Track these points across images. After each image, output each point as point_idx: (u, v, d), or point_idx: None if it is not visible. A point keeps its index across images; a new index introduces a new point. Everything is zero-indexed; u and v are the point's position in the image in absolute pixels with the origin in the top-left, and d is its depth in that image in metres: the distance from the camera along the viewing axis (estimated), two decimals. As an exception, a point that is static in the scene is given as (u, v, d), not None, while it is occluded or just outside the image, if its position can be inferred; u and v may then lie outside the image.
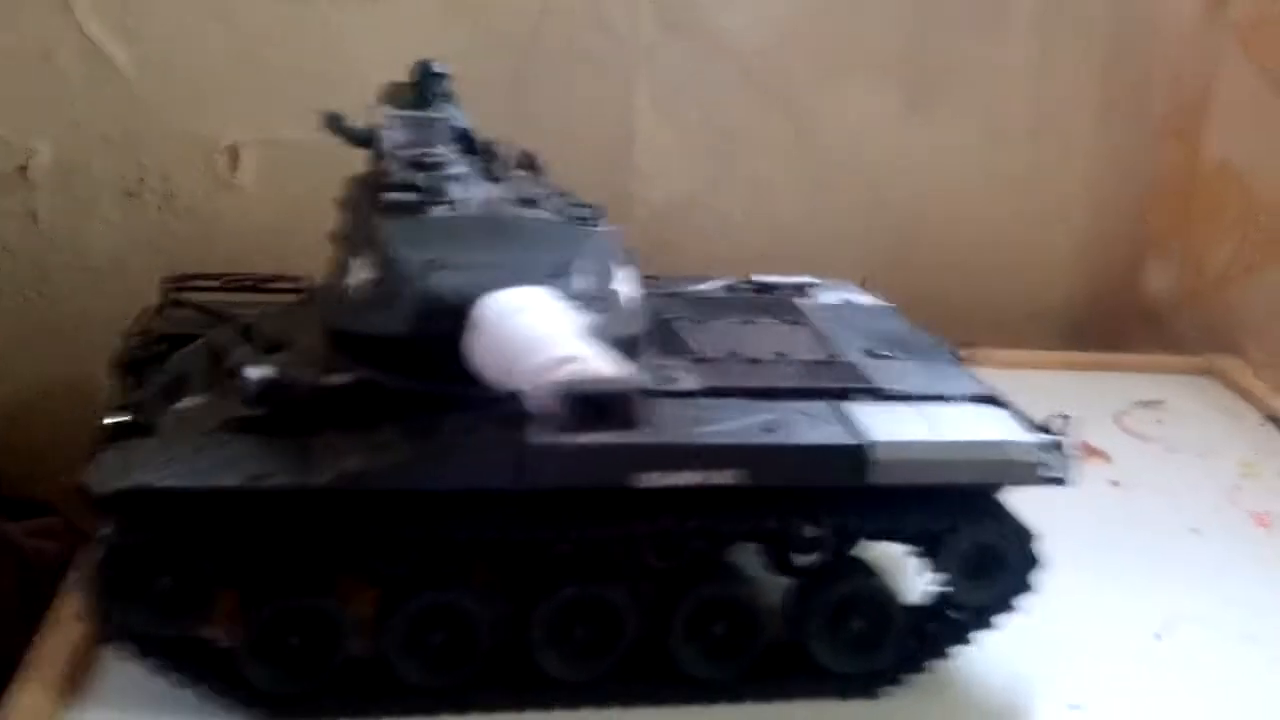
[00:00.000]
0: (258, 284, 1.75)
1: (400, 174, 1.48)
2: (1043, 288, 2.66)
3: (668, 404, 1.41)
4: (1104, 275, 2.70)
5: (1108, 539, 1.82)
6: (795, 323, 1.70)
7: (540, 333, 1.19)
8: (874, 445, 1.36)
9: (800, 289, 1.83)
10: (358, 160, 2.33)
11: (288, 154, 2.36)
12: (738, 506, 1.39)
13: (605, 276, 1.45)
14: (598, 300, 1.40)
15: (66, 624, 1.47)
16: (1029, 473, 1.42)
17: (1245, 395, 2.36)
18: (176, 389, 1.54)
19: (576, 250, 1.43)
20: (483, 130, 1.71)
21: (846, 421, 1.41)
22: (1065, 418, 1.49)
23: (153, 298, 2.35)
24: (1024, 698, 1.50)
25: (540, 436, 1.31)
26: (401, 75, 2.32)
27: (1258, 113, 2.46)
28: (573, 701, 1.42)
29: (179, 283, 1.74)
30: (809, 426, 1.39)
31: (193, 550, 1.31)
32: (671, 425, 1.36)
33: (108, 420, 1.39)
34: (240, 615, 1.36)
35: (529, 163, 1.69)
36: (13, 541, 1.82)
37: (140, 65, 2.27)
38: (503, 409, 1.35)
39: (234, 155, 2.36)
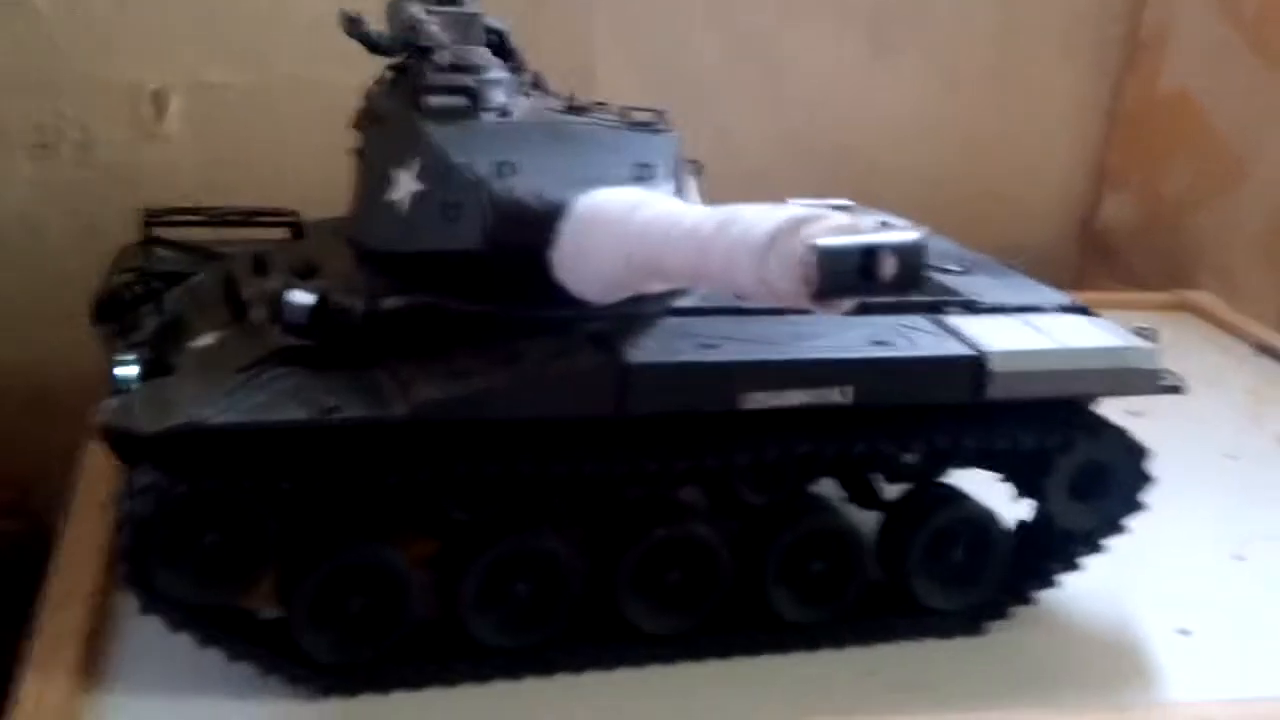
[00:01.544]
0: (246, 218, 1.55)
1: (442, 77, 1.31)
2: (1009, 226, 2.57)
3: (759, 320, 1.27)
4: (1066, 212, 2.66)
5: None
6: (850, 241, 1.58)
7: (716, 214, 1.03)
8: (992, 355, 1.25)
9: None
10: (298, 103, 2.18)
11: (219, 99, 2.16)
12: (841, 429, 1.27)
13: (682, 184, 1.32)
14: None
15: (69, 602, 1.28)
16: (1150, 381, 1.33)
17: (1224, 327, 2.33)
18: (177, 329, 1.36)
19: (651, 155, 1.28)
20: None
21: (954, 333, 1.29)
22: (1151, 329, 1.41)
23: (66, 260, 2.16)
24: (1132, 625, 1.41)
25: (640, 357, 1.18)
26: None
27: (1214, 42, 2.42)
28: (667, 655, 1.28)
29: (157, 218, 1.53)
30: (918, 340, 1.27)
31: (250, 499, 1.13)
32: (774, 342, 1.23)
33: (120, 360, 1.20)
34: (288, 578, 1.19)
35: (536, 80, 1.54)
36: (-36, 523, 1.59)
37: (55, 3, 2.04)
38: (585, 330, 1.22)
39: (160, 101, 2.14)
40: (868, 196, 2.42)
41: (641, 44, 2.32)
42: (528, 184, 1.21)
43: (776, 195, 2.24)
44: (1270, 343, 2.22)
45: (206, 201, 2.12)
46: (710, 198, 1.89)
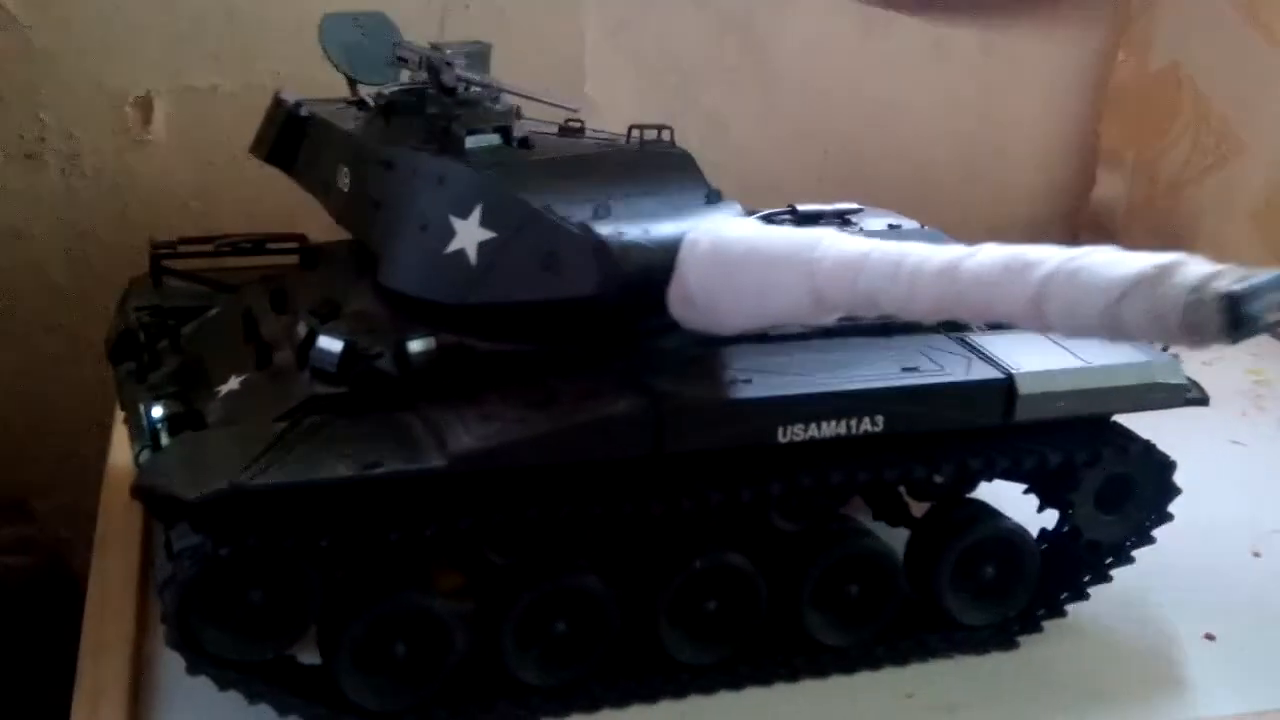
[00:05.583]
0: (255, 244, 1.53)
1: (471, 114, 1.30)
2: (1000, 204, 2.59)
3: (783, 349, 1.27)
4: (1058, 188, 2.65)
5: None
6: (866, 252, 1.57)
7: (973, 254, 1.05)
8: (1020, 378, 1.26)
9: (843, 216, 1.70)
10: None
11: (206, 104, 2.12)
12: (873, 454, 1.27)
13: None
14: None
15: (107, 653, 1.27)
16: (1176, 395, 1.33)
17: (1219, 301, 2.33)
18: (199, 370, 1.34)
19: (698, 178, 1.29)
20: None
21: (980, 354, 1.29)
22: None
23: (55, 269, 2.13)
24: (1159, 632, 1.42)
25: (675, 397, 1.17)
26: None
27: (1206, 14, 2.41)
28: (708, 685, 1.28)
29: (165, 249, 1.51)
30: (945, 363, 1.27)
31: (292, 554, 1.12)
32: (804, 373, 1.23)
33: (159, 412, 1.19)
34: (331, 625, 1.18)
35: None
36: (-23, 557, 1.58)
37: (37, 10, 2.00)
38: (615, 368, 1.22)
39: (146, 107, 2.10)
40: (859, 179, 2.44)
41: (631, 36, 2.30)
42: (627, 223, 1.19)
43: (769, 179, 2.25)
44: (1266, 319, 2.23)
45: (197, 206, 2.14)
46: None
